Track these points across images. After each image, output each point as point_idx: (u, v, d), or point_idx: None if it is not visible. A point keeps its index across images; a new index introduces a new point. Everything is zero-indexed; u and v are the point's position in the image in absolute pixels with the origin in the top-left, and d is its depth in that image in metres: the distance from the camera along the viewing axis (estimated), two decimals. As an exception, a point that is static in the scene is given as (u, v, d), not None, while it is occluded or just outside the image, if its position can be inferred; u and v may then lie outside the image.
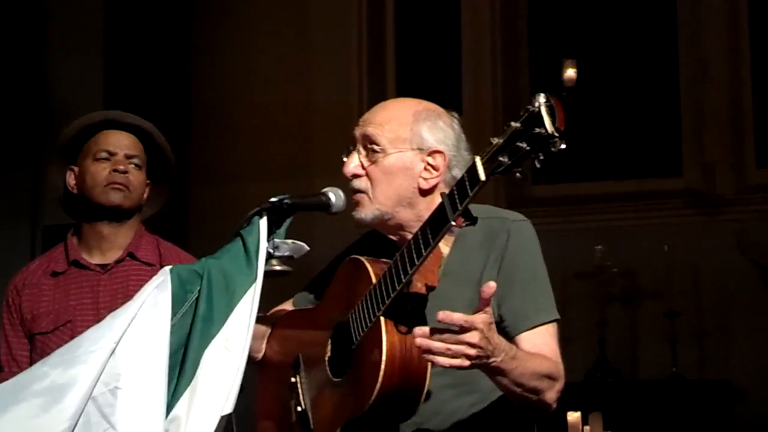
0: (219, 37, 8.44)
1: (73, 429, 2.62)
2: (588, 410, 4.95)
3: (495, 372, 2.51)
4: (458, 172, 2.71)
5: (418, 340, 2.40)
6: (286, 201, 2.83)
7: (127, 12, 7.73)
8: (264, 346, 2.99)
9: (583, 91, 7.74)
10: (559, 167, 8.21)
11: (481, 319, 2.40)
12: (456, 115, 2.84)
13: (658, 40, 8.29)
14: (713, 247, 7.52)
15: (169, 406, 2.64)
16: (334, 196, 2.89)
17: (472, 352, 2.40)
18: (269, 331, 2.99)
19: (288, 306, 3.03)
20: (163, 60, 8.07)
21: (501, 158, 2.28)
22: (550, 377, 2.61)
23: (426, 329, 2.41)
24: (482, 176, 2.31)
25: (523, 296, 2.66)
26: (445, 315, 2.39)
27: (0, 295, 3.55)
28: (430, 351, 2.40)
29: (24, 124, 7.35)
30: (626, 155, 8.10)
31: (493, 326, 2.45)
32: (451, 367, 2.41)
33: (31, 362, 3.25)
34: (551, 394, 2.63)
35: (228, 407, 2.63)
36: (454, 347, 2.40)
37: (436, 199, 2.67)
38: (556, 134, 2.22)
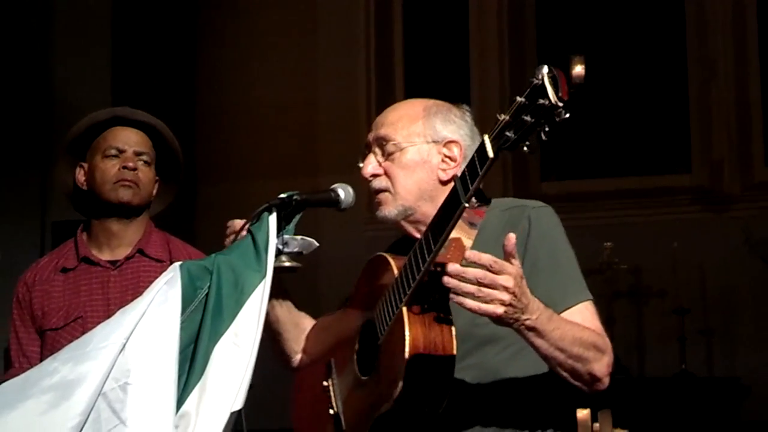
0: (225, 35, 8.45)
1: (83, 425, 2.62)
2: (597, 407, 4.95)
3: (533, 333, 2.46)
4: None
5: (446, 279, 2.36)
6: (295, 197, 2.83)
7: (133, 11, 7.74)
8: (299, 355, 3.00)
9: (591, 88, 7.72)
10: (567, 164, 8.21)
11: (511, 265, 2.38)
12: (467, 107, 2.85)
13: (666, 37, 8.29)
14: (721, 244, 7.51)
15: (179, 402, 2.64)
16: (344, 192, 2.89)
17: (506, 297, 2.37)
18: (303, 339, 3.00)
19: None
20: (170, 58, 8.08)
21: (507, 133, 2.28)
22: (596, 347, 2.57)
23: (459, 267, 2.37)
24: (490, 153, 2.30)
25: (549, 283, 2.61)
26: (473, 254, 2.37)
27: (10, 291, 3.56)
28: (459, 292, 2.36)
29: (32, 122, 7.37)
30: (634, 152, 8.10)
31: (525, 281, 2.41)
32: (484, 314, 2.37)
33: (42, 358, 3.25)
34: (600, 367, 2.58)
35: (238, 403, 2.63)
36: (486, 290, 2.36)
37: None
38: (560, 104, 2.21)
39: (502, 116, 2.31)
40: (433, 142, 2.74)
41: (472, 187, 2.34)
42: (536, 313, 2.44)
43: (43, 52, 7.55)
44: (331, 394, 2.78)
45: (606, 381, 2.63)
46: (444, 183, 2.74)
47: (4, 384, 2.78)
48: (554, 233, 2.73)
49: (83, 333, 2.91)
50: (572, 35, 8.39)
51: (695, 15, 8.17)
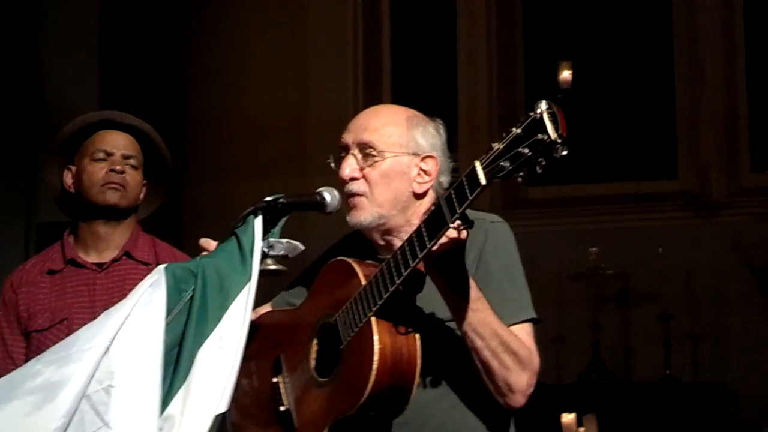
0: (214, 37, 8.45)
1: (67, 427, 2.62)
2: (582, 412, 4.96)
3: (457, 304, 2.54)
4: (444, 178, 2.80)
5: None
6: (281, 200, 2.83)
7: (122, 12, 7.73)
8: None
9: (579, 93, 7.75)
10: (554, 169, 8.22)
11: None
12: (441, 122, 2.88)
13: (654, 42, 8.31)
14: (707, 250, 7.54)
15: (164, 405, 2.64)
16: (329, 195, 2.89)
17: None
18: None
19: (267, 308, 3.03)
20: (159, 59, 8.08)
21: (502, 163, 2.30)
22: (519, 357, 2.60)
23: None
24: (483, 180, 2.33)
25: (498, 296, 2.66)
26: None
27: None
28: None
29: (19, 122, 7.36)
30: (621, 157, 8.12)
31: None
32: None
33: (27, 360, 3.23)
34: (520, 380, 2.62)
35: (222, 406, 2.63)
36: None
37: (425, 205, 2.75)
38: (559, 140, 2.24)
39: (496, 145, 2.33)
40: (413, 154, 2.77)
41: (458, 210, 2.37)
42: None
43: (32, 54, 7.54)
44: (282, 390, 2.79)
45: (521, 399, 2.65)
46: (417, 196, 2.78)
47: (-11, 385, 2.78)
48: (509, 248, 2.77)
49: (69, 335, 2.90)
50: (560, 40, 8.40)
51: (683, 21, 8.19)
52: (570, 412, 4.87)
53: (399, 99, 8.13)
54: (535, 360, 2.65)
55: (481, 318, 2.56)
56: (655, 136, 8.28)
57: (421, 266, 2.53)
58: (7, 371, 3.02)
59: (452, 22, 8.50)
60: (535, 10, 8.54)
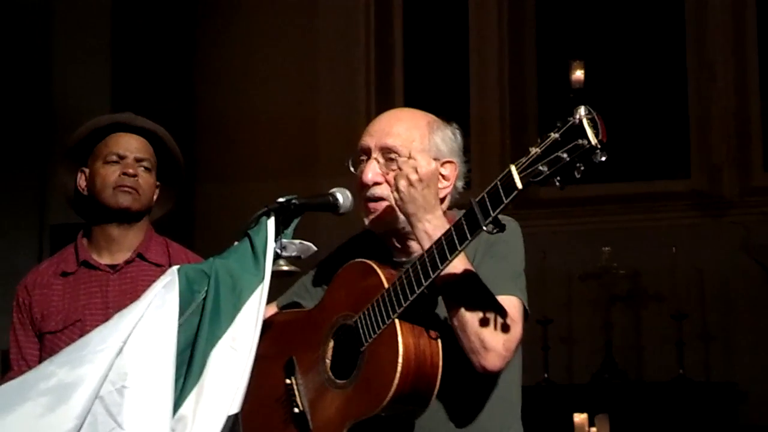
0: (225, 38, 8.45)
1: (80, 428, 2.63)
2: (594, 412, 4.97)
3: (426, 239, 2.57)
4: (460, 183, 2.82)
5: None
6: (294, 201, 2.84)
7: (133, 15, 7.74)
8: None
9: (591, 93, 7.74)
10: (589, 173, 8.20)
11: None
12: (457, 126, 2.89)
13: (665, 42, 8.29)
14: (719, 249, 7.52)
15: (176, 406, 2.65)
16: (342, 196, 2.89)
17: (402, 183, 2.58)
18: None
19: (272, 309, 3.03)
20: (170, 62, 8.09)
21: (540, 167, 2.32)
22: (496, 318, 2.56)
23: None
24: (519, 185, 2.34)
25: (495, 269, 2.68)
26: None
27: (9, 294, 3.56)
28: None
29: (31, 126, 7.38)
30: (633, 157, 8.10)
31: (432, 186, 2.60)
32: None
33: (40, 361, 3.25)
34: (495, 339, 2.57)
35: (235, 407, 2.64)
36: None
37: (443, 209, 2.74)
38: (599, 146, 2.26)
39: (534, 149, 2.34)
40: (435, 159, 2.77)
41: (493, 213, 2.39)
42: (435, 220, 2.55)
43: (43, 56, 7.56)
44: (296, 392, 2.78)
45: (496, 360, 2.59)
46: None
47: (2, 387, 2.79)
48: (516, 242, 2.79)
49: (82, 336, 2.91)
50: (572, 39, 8.39)
51: (695, 19, 8.18)
52: (582, 411, 4.88)
53: (411, 99, 8.16)
54: (515, 328, 2.61)
55: (467, 278, 2.56)
56: (667, 136, 8.26)
57: None
58: (21, 373, 3.04)
59: (464, 22, 8.49)
60: (546, 10, 8.52)
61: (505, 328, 2.59)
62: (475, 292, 2.57)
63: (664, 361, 7.50)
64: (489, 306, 2.57)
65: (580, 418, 4.86)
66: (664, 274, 7.49)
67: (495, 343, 2.58)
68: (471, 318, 2.56)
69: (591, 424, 4.92)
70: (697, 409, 7.13)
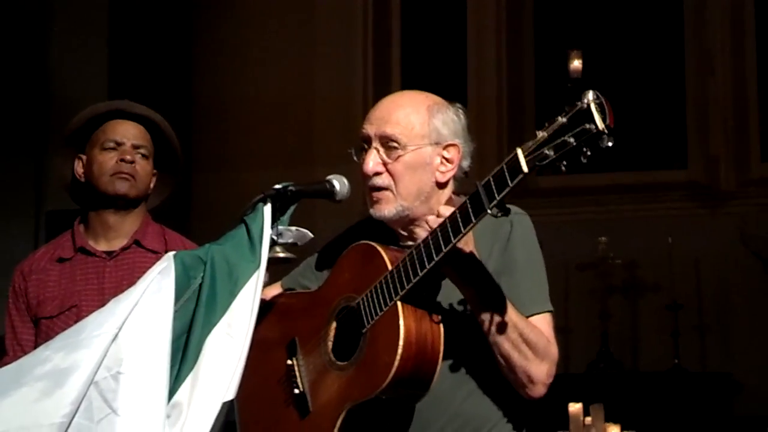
0: (222, 27, 8.45)
1: (75, 413, 2.62)
2: (589, 401, 4.96)
3: (474, 296, 2.56)
4: (466, 163, 2.79)
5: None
6: (290, 188, 2.84)
7: (130, 4, 7.74)
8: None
9: (589, 83, 7.73)
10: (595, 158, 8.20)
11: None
12: (460, 106, 2.87)
13: (664, 32, 8.29)
14: (716, 240, 7.53)
15: (171, 392, 2.64)
16: (339, 183, 2.89)
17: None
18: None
19: (276, 289, 3.03)
20: (167, 49, 8.08)
21: (546, 151, 2.30)
22: (538, 348, 2.62)
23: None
24: (525, 168, 2.33)
25: (520, 286, 2.69)
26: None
27: (6, 280, 3.57)
28: None
29: (28, 113, 7.37)
30: (630, 147, 8.10)
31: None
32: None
33: (36, 346, 3.25)
34: (539, 371, 2.64)
35: (230, 394, 2.63)
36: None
37: (447, 193, 2.76)
38: (606, 131, 2.25)
39: (541, 133, 2.32)
40: (436, 143, 2.76)
41: (498, 197, 2.37)
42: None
43: (40, 44, 7.55)
44: (297, 373, 2.79)
45: (542, 389, 2.67)
46: (440, 185, 2.78)
47: (-2, 372, 2.79)
48: (532, 240, 2.79)
49: (77, 322, 2.91)
50: (570, 29, 8.39)
51: (693, 10, 8.18)
52: (577, 401, 4.87)
53: (408, 86, 8.14)
54: (553, 350, 2.67)
55: (509, 318, 2.57)
56: (665, 126, 8.27)
57: None
58: (17, 358, 3.03)
59: (462, 11, 8.48)
60: (545, 0, 8.52)
61: (546, 356, 2.64)
62: (516, 327, 2.59)
63: (660, 351, 7.51)
64: (530, 339, 2.61)
65: (575, 407, 4.86)
66: (660, 264, 7.50)
67: (540, 375, 2.64)
68: (516, 356, 2.60)
69: (586, 413, 4.91)
70: (693, 399, 7.15)
